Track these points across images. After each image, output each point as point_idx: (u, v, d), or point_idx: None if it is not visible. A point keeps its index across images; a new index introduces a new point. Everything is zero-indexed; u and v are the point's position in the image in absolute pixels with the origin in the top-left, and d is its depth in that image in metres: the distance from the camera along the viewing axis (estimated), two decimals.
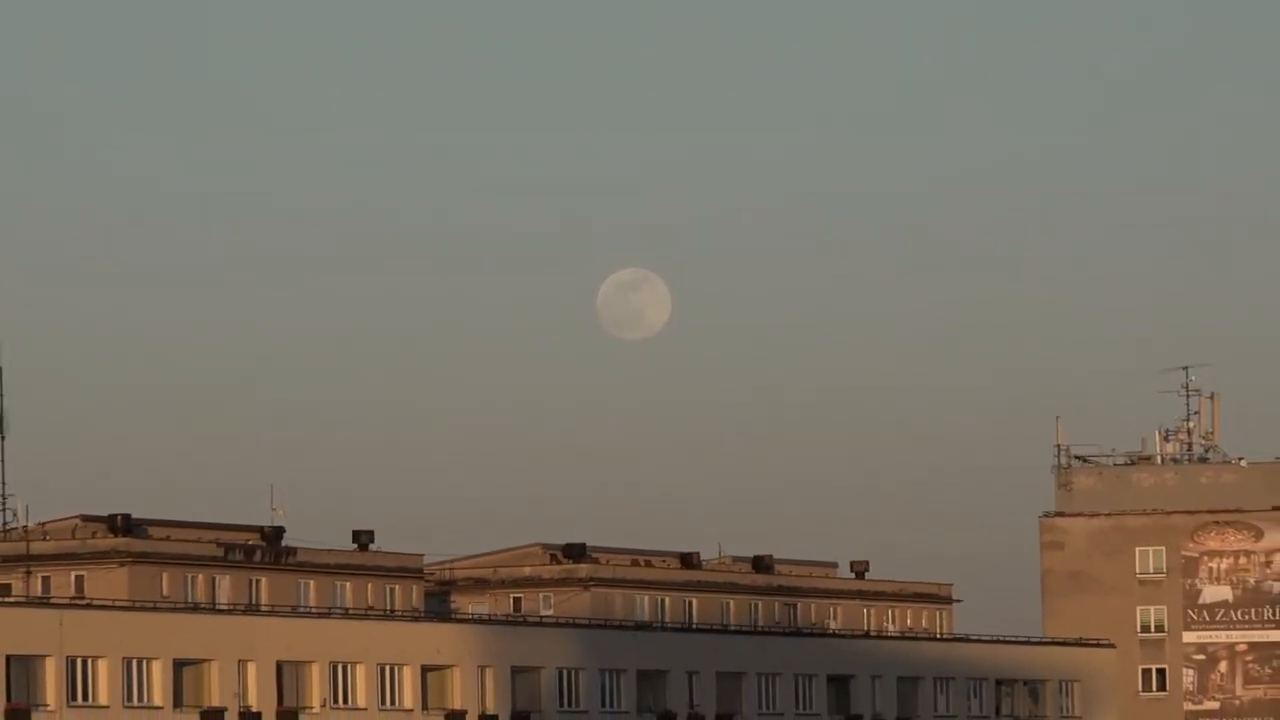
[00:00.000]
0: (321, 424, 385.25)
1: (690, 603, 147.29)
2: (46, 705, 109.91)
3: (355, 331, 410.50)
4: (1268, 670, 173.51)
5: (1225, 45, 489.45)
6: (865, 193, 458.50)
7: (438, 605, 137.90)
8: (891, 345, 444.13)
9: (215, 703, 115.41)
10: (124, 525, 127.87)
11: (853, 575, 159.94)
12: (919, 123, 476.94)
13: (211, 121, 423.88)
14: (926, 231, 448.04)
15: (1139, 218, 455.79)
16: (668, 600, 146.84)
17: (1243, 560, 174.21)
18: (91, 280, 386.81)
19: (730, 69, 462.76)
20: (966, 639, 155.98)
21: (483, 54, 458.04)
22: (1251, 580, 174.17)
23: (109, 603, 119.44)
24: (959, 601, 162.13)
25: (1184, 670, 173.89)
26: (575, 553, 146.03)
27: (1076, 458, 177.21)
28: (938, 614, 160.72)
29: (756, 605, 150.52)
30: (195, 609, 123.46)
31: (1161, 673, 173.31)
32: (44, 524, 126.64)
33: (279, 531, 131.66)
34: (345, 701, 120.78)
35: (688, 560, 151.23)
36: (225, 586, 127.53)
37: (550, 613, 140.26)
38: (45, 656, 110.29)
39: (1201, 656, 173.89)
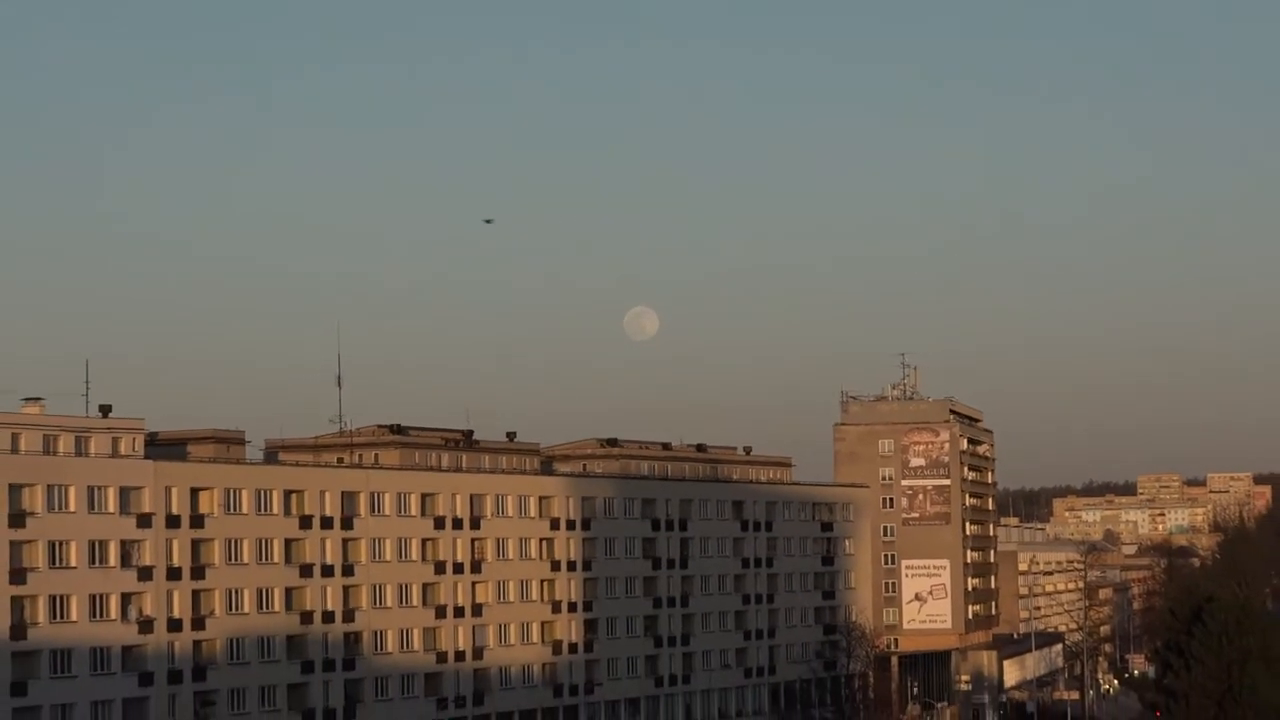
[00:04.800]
0: (496, 378, 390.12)
1: (667, 467, 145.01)
2: (359, 516, 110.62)
3: (515, 332, 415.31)
4: (940, 498, 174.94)
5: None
6: (778, 264, 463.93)
7: (547, 468, 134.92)
8: (771, 339, 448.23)
9: (440, 514, 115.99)
10: (396, 428, 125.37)
11: (743, 452, 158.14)
12: (807, 218, 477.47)
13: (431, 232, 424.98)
14: (806, 295, 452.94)
15: (896, 282, 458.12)
16: (656, 465, 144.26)
17: (930, 446, 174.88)
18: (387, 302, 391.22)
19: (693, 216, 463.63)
20: (798, 484, 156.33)
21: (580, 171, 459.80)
22: (934, 455, 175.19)
23: (390, 466, 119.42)
24: (795, 465, 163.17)
25: (902, 498, 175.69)
26: (612, 442, 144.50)
27: (851, 397, 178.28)
28: (785, 471, 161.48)
29: (699, 468, 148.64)
30: (430, 469, 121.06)
31: (892, 499, 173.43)
32: (359, 428, 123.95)
33: (470, 432, 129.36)
34: (501, 514, 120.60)
35: (666, 446, 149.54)
36: (445, 459, 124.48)
37: (600, 471, 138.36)
38: (359, 492, 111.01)
39: (910, 491, 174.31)
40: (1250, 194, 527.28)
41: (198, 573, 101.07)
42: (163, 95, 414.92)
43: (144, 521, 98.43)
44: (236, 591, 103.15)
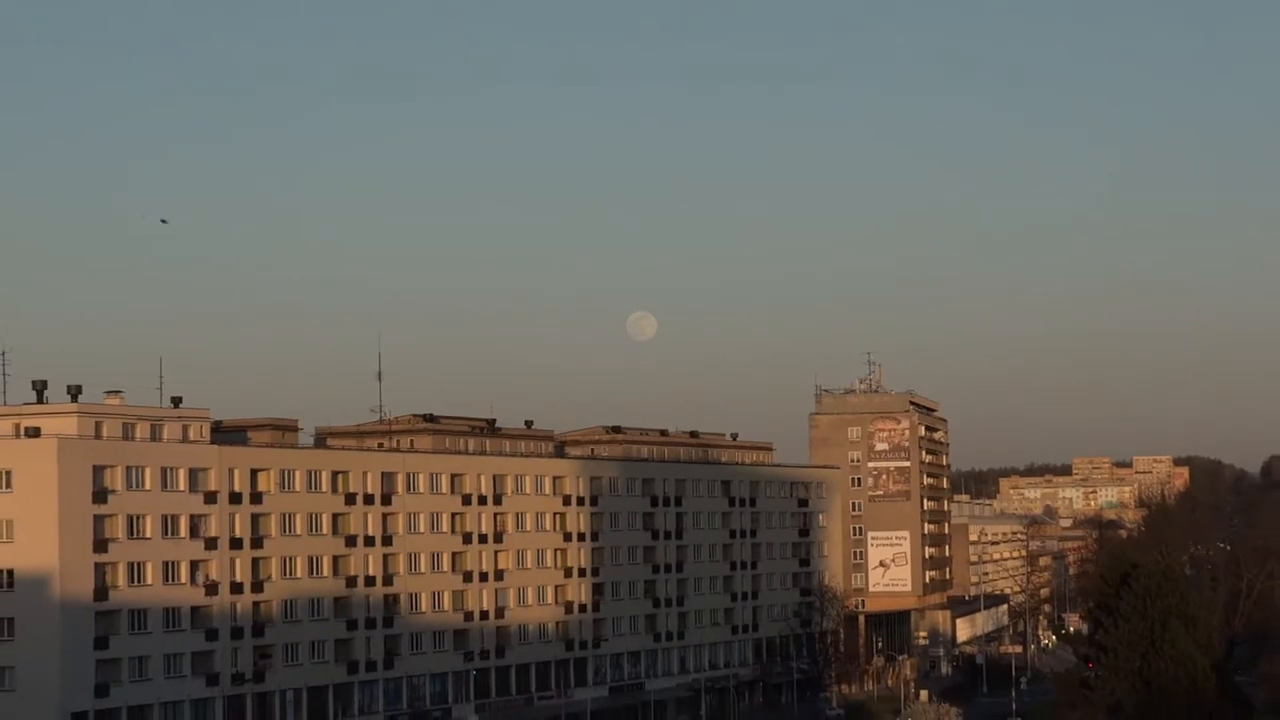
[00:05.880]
0: (516, 373, 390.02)
1: (664, 450, 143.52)
2: (397, 493, 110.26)
3: (533, 333, 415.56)
4: (902, 478, 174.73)
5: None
6: (762, 274, 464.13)
7: (560, 452, 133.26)
8: (755, 341, 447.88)
9: (467, 492, 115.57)
10: (429, 417, 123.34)
11: (731, 438, 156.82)
12: (792, 244, 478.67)
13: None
14: (786, 301, 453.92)
15: (862, 302, 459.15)
16: (655, 450, 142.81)
17: (892, 432, 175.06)
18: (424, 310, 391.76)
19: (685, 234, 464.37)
20: (778, 466, 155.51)
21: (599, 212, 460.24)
22: (896, 441, 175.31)
23: (423, 450, 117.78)
24: (775, 450, 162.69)
25: (868, 478, 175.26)
26: (616, 430, 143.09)
27: (824, 390, 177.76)
28: (767, 455, 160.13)
29: (692, 451, 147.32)
30: (459, 453, 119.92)
31: (859, 479, 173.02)
32: (397, 417, 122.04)
33: (494, 420, 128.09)
34: (521, 491, 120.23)
35: (664, 433, 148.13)
36: (471, 444, 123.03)
37: (605, 455, 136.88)
38: (397, 473, 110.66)
39: (875, 472, 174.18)
40: (1182, 204, 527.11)
41: (257, 543, 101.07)
42: (208, 120, 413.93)
43: (210, 498, 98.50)
44: (290, 559, 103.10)
